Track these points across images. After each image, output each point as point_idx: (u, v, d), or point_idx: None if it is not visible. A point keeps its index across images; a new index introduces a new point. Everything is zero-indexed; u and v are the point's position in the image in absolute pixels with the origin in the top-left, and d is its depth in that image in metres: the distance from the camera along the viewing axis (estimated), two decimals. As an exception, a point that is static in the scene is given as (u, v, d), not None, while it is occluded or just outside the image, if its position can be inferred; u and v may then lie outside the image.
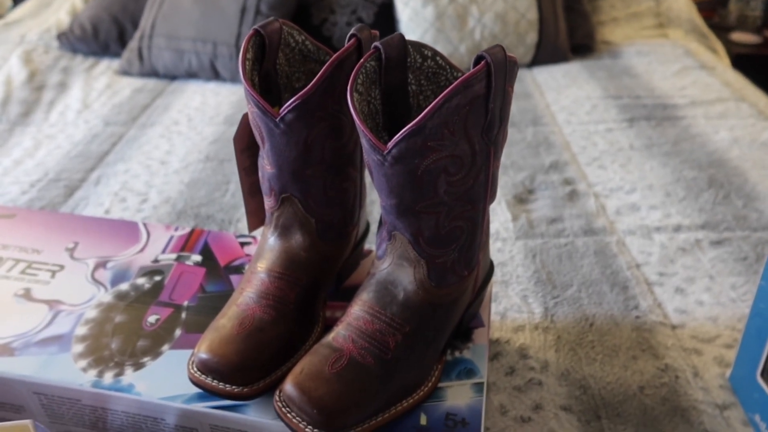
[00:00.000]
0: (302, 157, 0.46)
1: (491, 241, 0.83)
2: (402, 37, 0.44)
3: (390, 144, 0.40)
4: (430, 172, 0.41)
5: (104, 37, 1.46)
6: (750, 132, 1.08)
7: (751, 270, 0.76)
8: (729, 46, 1.97)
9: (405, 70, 0.45)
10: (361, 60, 0.42)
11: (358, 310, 0.47)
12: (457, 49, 1.37)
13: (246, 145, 0.50)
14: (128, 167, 1.02)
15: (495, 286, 0.75)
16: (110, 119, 1.20)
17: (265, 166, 0.48)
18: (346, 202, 0.51)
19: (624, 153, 1.04)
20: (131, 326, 0.54)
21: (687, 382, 0.61)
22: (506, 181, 0.97)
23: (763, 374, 0.55)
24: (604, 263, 0.78)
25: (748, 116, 1.13)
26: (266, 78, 0.49)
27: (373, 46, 0.43)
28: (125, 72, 1.40)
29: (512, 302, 0.72)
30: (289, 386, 0.43)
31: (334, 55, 0.44)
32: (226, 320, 0.47)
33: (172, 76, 1.39)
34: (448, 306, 0.47)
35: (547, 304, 0.72)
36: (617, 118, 1.15)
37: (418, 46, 0.45)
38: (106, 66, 1.45)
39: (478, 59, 0.40)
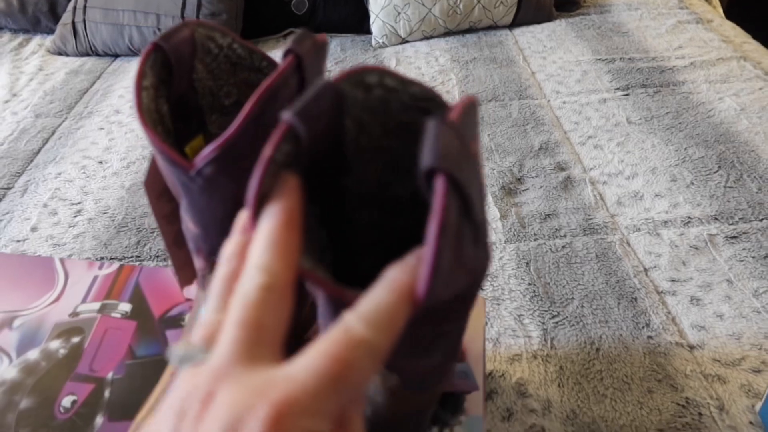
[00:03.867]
0: (233, 216, 0.34)
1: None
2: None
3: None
4: None
5: (33, 10, 1.29)
6: (758, 97, 0.97)
7: (773, 270, 0.67)
8: (721, -9, 1.84)
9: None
10: (268, 152, 0.22)
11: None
12: (431, 11, 1.23)
13: (162, 190, 0.38)
14: (61, 170, 0.89)
15: (486, 305, 0.65)
16: (41, 110, 1.06)
17: (188, 224, 0.36)
18: (299, 251, 0.40)
19: (621, 128, 0.93)
20: (40, 414, 0.43)
21: (712, 420, 0.53)
22: (492, 168, 0.86)
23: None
24: (608, 269, 0.68)
25: (754, 78, 1.03)
26: (182, 101, 0.37)
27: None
28: (59, 51, 1.24)
29: (506, 324, 0.63)
30: None
31: (262, 85, 0.31)
32: (155, 427, 0.37)
33: (113, 55, 1.24)
34: (429, 401, 0.37)
35: (546, 325, 0.62)
36: (611, 87, 1.04)
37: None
38: (38, 44, 1.28)
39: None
